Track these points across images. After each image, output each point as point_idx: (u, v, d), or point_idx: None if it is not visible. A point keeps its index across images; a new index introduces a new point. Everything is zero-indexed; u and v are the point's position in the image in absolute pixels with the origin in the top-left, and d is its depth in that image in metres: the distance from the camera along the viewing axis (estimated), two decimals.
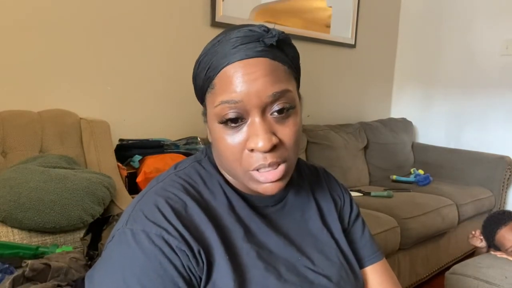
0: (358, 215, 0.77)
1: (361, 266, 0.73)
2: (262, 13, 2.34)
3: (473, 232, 1.72)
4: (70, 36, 1.68)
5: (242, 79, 0.52)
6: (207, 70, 0.55)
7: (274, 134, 0.54)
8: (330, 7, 2.72)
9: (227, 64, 0.53)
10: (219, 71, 0.54)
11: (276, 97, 0.53)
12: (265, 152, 0.53)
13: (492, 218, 1.67)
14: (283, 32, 0.56)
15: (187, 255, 0.52)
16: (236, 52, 0.53)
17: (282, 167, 0.55)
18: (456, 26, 2.93)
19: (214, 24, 2.08)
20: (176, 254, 0.52)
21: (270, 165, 0.54)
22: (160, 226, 0.52)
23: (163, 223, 0.53)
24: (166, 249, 0.51)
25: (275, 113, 0.54)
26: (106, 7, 1.76)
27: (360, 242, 0.74)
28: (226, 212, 0.59)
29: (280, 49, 0.55)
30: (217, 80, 0.54)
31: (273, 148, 0.53)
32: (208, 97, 0.56)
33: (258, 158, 0.54)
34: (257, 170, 0.54)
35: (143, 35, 1.89)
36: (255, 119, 0.53)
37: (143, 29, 1.88)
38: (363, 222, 0.77)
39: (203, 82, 0.57)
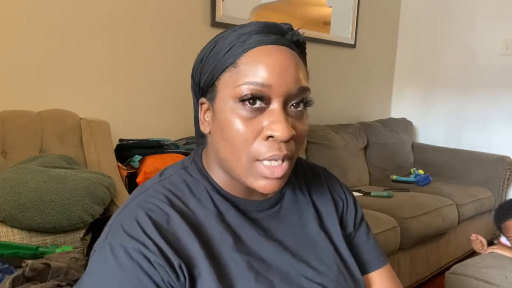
0: (362, 218, 0.74)
1: (367, 271, 0.71)
2: (262, 13, 2.34)
3: (475, 236, 1.72)
4: (70, 36, 1.68)
5: (276, 65, 0.51)
6: (229, 49, 0.53)
7: (292, 126, 0.52)
8: (330, 7, 2.72)
9: (259, 45, 0.52)
10: (247, 51, 0.52)
11: (301, 92, 0.53)
12: (283, 141, 0.51)
13: (506, 205, 1.68)
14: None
15: (166, 270, 0.50)
16: (267, 37, 0.53)
17: (286, 164, 0.53)
18: (456, 26, 2.93)
19: (214, 24, 2.08)
20: (155, 269, 0.49)
21: (284, 157, 0.52)
22: (138, 240, 0.50)
23: (141, 237, 0.51)
24: (145, 264, 0.49)
25: (294, 107, 0.53)
26: (106, 7, 1.76)
27: (365, 246, 0.72)
28: (214, 221, 0.56)
29: (300, 50, 0.57)
30: (244, 60, 0.52)
31: (288, 140, 0.52)
32: (226, 77, 0.53)
33: (273, 148, 0.51)
34: (266, 161, 0.52)
35: (143, 35, 1.89)
36: (277, 107, 0.52)
37: (143, 29, 1.88)
38: (367, 226, 0.74)
39: (218, 62, 0.54)
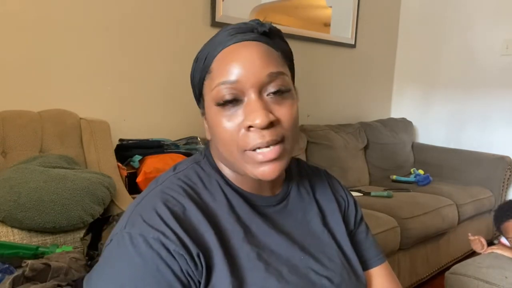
0: (362, 218, 0.77)
1: (367, 267, 0.73)
2: (262, 13, 2.34)
3: (474, 236, 1.72)
4: (70, 36, 1.68)
5: (238, 60, 0.54)
6: (205, 60, 0.57)
7: (271, 112, 0.54)
8: (330, 7, 2.72)
9: (223, 48, 0.56)
10: (216, 56, 0.56)
11: (272, 78, 0.55)
12: (262, 128, 0.53)
13: (506, 206, 1.68)
14: (275, 26, 0.60)
15: (185, 259, 0.51)
16: (232, 39, 0.56)
17: (277, 147, 0.54)
18: (456, 26, 2.93)
19: (214, 24, 2.08)
20: (174, 258, 0.51)
21: (268, 143, 0.53)
22: (157, 229, 0.52)
23: (161, 227, 0.52)
24: (164, 253, 0.51)
25: (271, 94, 0.55)
26: (106, 8, 1.76)
27: (365, 244, 0.75)
28: (225, 213, 0.58)
29: (272, 39, 0.59)
30: (214, 65, 0.56)
31: (270, 126, 0.53)
32: (206, 85, 0.58)
33: (256, 137, 0.53)
34: (254, 150, 0.54)
35: (143, 35, 1.89)
36: (251, 98, 0.54)
37: (143, 29, 1.88)
38: (367, 225, 0.77)
39: (200, 73, 0.58)
